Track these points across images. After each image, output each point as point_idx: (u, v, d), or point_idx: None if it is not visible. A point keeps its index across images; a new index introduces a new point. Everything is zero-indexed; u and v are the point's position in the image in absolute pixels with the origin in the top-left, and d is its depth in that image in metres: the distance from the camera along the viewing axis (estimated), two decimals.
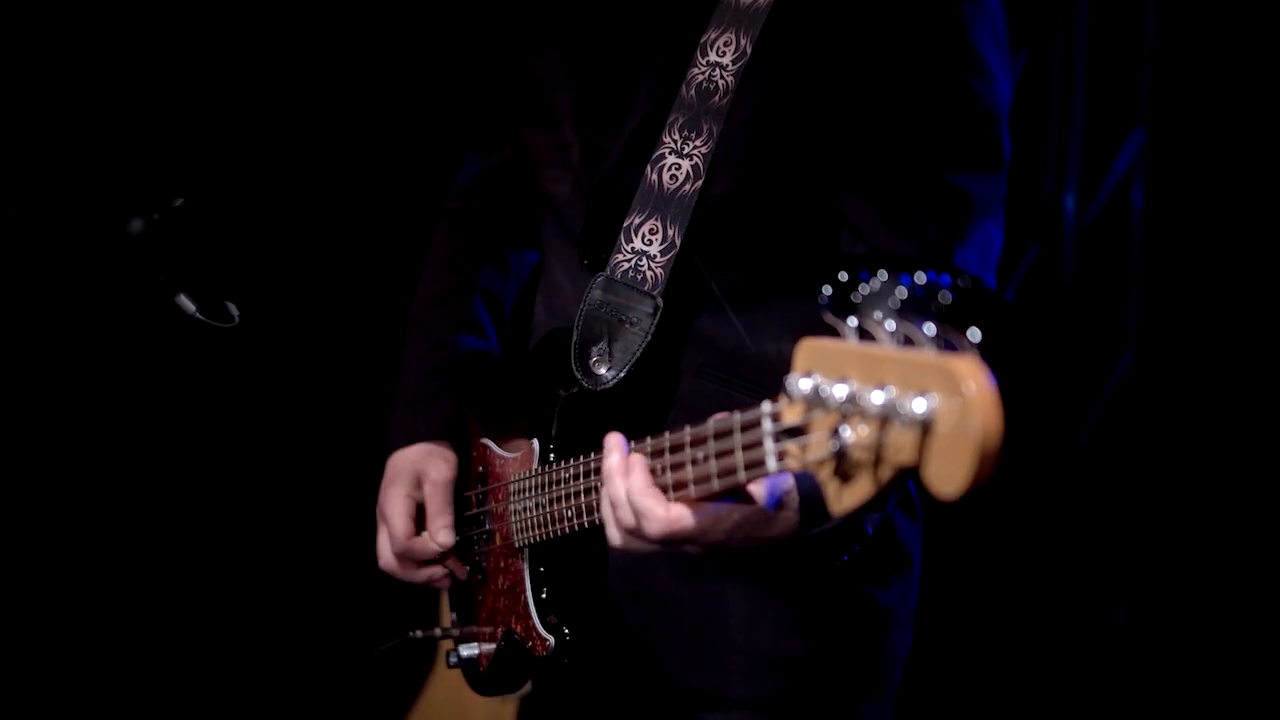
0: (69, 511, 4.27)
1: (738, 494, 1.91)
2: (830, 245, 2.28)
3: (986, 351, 1.51)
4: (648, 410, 2.31)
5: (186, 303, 2.36)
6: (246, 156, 4.33)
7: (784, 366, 1.67)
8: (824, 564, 2.27)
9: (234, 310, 2.38)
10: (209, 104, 4.13)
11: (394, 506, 2.55)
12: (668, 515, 1.93)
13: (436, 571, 2.58)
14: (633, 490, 1.96)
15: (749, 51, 2.24)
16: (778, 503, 1.95)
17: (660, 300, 2.26)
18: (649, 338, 2.25)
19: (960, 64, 2.18)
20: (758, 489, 1.91)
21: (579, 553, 2.36)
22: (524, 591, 2.39)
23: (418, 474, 2.56)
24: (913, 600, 2.47)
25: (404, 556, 2.56)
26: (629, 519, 1.98)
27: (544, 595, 2.37)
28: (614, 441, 2.02)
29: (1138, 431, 5.07)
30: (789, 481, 1.95)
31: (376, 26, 4.52)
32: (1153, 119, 5.14)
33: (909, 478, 1.55)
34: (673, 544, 1.99)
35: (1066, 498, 5.06)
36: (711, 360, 2.33)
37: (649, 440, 1.99)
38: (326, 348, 4.49)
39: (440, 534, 2.52)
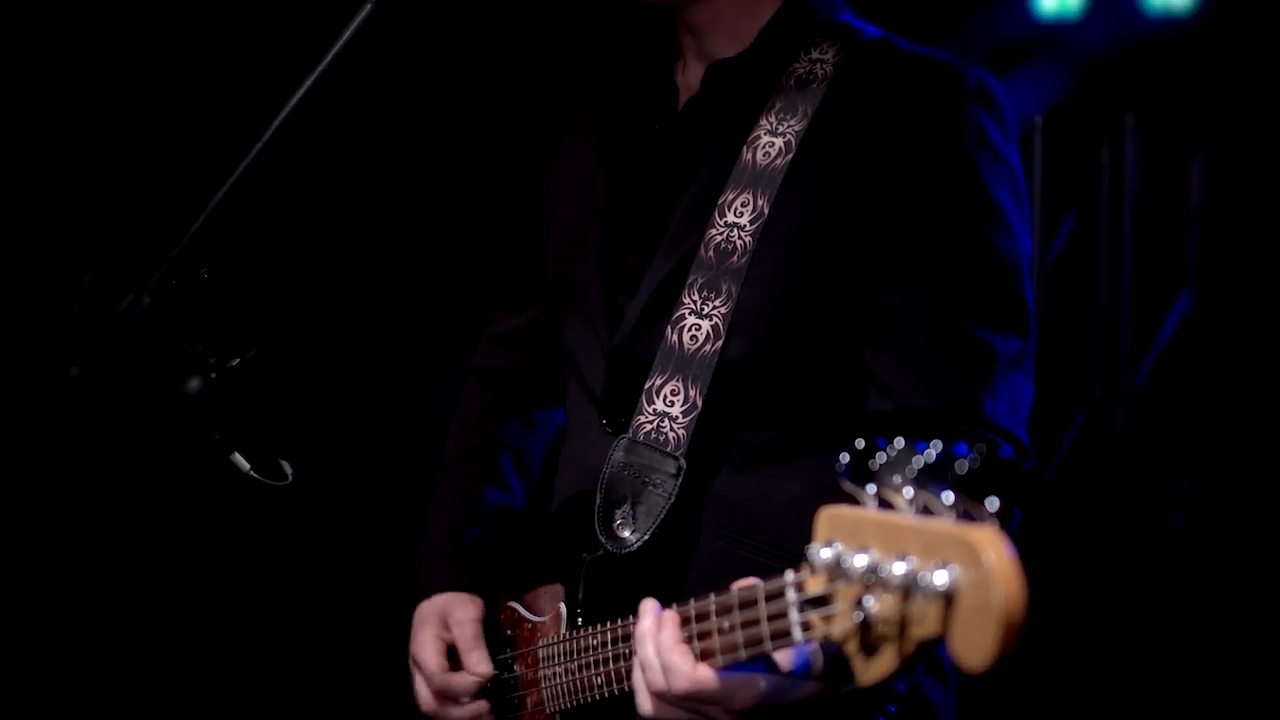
0: (123, 657, 4.30)
1: (764, 659, 1.90)
2: (855, 401, 2.28)
3: (1005, 520, 1.50)
4: (670, 572, 2.30)
5: (241, 461, 2.39)
6: (298, 318, 4.42)
7: (802, 528, 1.66)
8: None
9: (287, 468, 2.41)
10: (264, 266, 4.22)
11: (424, 648, 2.53)
12: (693, 674, 1.91)
13: (481, 707, 2.52)
14: (661, 646, 1.94)
15: (766, 212, 2.25)
16: (805, 668, 1.93)
17: (683, 461, 2.26)
18: (672, 500, 2.25)
19: (979, 219, 2.18)
20: (784, 656, 1.90)
21: None
22: None
23: (444, 616, 2.54)
24: None
25: (442, 694, 2.51)
26: (659, 681, 1.96)
27: None
28: (647, 606, 2.01)
29: (1190, 594, 5.00)
30: (815, 645, 1.94)
31: (415, 184, 4.64)
32: (1200, 281, 5.16)
33: (936, 646, 1.54)
34: (698, 704, 1.96)
35: (1120, 661, 4.99)
36: (730, 523, 2.31)
37: (675, 608, 1.98)
38: (368, 501, 4.54)
39: (478, 665, 2.48)
